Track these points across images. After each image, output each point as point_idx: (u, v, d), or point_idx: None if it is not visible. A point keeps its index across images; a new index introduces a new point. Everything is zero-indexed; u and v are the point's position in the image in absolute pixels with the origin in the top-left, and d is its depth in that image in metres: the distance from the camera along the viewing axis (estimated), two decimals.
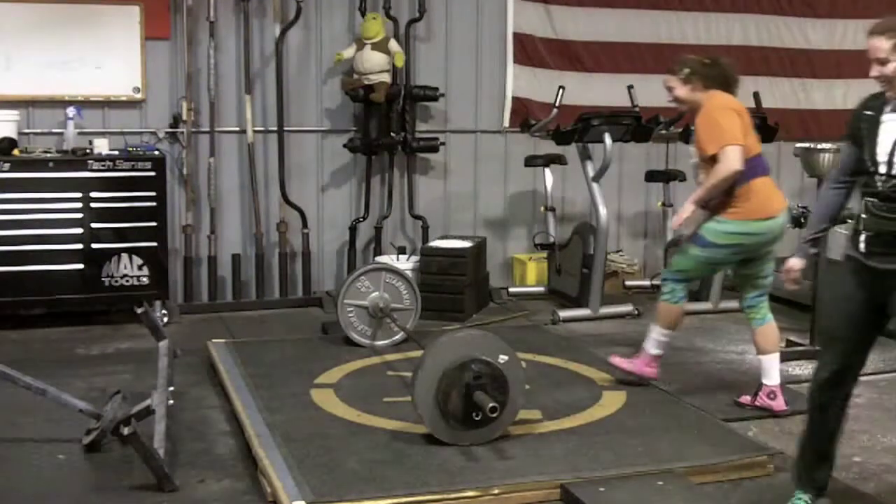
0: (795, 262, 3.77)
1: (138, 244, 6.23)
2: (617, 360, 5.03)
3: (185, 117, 6.72)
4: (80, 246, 6.14)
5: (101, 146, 6.31)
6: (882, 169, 3.30)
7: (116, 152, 6.30)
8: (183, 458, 4.03)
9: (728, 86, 4.84)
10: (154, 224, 6.27)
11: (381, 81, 6.79)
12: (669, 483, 3.70)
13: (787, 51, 8.12)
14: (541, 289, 7.32)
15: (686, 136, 6.93)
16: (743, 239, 4.67)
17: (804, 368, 5.52)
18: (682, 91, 4.80)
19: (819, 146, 5.69)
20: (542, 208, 7.38)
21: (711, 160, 4.59)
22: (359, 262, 7.10)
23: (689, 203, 4.68)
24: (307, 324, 6.47)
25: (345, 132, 7.15)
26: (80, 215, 6.11)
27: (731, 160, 4.51)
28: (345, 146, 7.03)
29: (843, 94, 8.27)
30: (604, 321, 6.60)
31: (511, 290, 7.31)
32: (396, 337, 5.64)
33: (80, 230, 6.12)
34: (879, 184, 3.31)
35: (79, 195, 6.10)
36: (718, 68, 4.83)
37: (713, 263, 4.87)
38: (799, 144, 5.88)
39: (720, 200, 4.65)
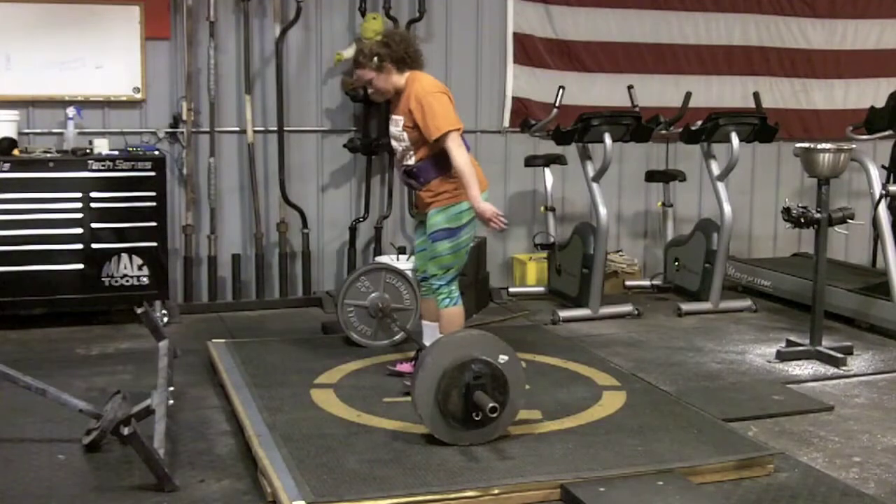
0: None
1: (138, 244, 6.23)
2: (405, 367, 4.99)
3: (185, 117, 6.72)
4: (80, 246, 6.14)
5: (101, 146, 6.31)
6: None
7: (116, 152, 6.30)
8: (183, 458, 4.03)
9: (415, 60, 4.82)
10: (154, 224, 6.27)
11: None
12: (669, 483, 3.70)
13: (787, 51, 8.12)
14: (541, 289, 7.32)
15: (686, 137, 6.94)
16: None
17: (804, 368, 5.52)
18: (380, 81, 4.76)
19: (819, 146, 5.68)
20: (542, 208, 7.39)
21: (426, 143, 4.63)
22: (359, 262, 7.11)
23: (481, 202, 4.57)
24: (307, 324, 6.47)
25: (345, 132, 7.16)
26: (80, 215, 6.11)
27: (459, 146, 4.59)
28: (345, 146, 7.03)
29: (843, 94, 8.28)
30: (604, 321, 6.60)
31: (511, 290, 7.31)
32: (396, 337, 5.64)
33: (80, 230, 6.12)
34: None
35: (79, 195, 6.10)
36: (401, 45, 4.78)
37: (466, 246, 4.83)
38: (799, 144, 5.88)
39: (438, 190, 4.69)
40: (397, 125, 4.77)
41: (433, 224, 4.74)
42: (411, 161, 4.76)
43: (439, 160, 4.68)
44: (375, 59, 4.73)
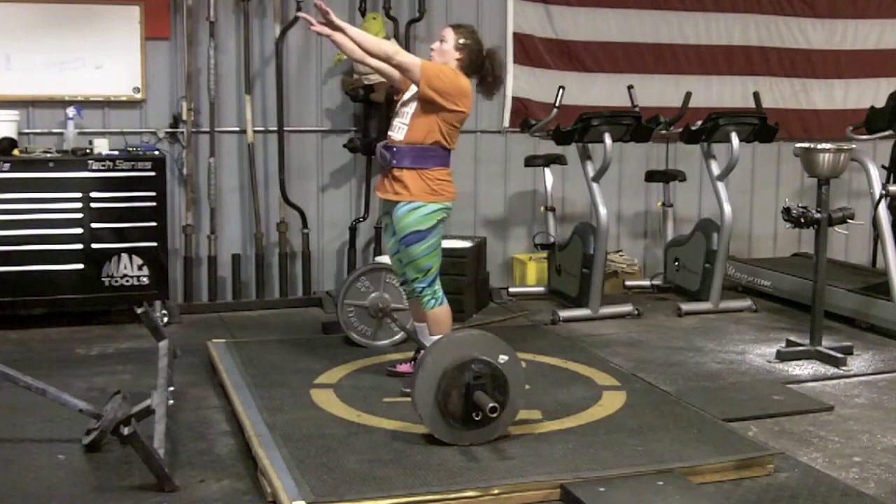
0: None
1: (138, 244, 6.23)
2: (405, 368, 4.99)
3: (185, 117, 6.72)
4: (80, 246, 6.14)
5: (101, 146, 6.31)
6: None
7: (116, 152, 6.30)
8: (183, 458, 4.03)
9: (488, 87, 4.88)
10: (154, 224, 6.27)
11: (382, 81, 6.75)
12: (669, 483, 3.70)
13: (787, 51, 8.12)
14: (541, 289, 7.32)
15: (686, 137, 6.94)
16: (444, 214, 4.74)
17: (804, 368, 5.52)
18: (445, 52, 4.73)
19: (819, 146, 5.68)
20: (542, 208, 7.39)
21: (423, 126, 4.62)
22: (359, 262, 7.11)
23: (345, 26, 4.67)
24: (307, 324, 6.48)
25: (345, 132, 7.16)
26: (80, 215, 6.11)
27: (413, 60, 4.62)
28: (345, 146, 7.03)
29: (843, 94, 8.29)
30: (604, 321, 6.59)
31: (511, 290, 7.31)
32: (396, 337, 5.64)
33: (80, 230, 6.12)
34: None
35: (79, 195, 6.10)
36: (487, 64, 4.80)
37: (439, 245, 4.79)
38: (799, 144, 5.88)
39: (409, 184, 4.64)
40: (412, 91, 4.74)
41: (403, 227, 4.67)
42: (399, 136, 4.71)
43: (420, 153, 4.64)
44: (465, 41, 4.73)
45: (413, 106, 4.70)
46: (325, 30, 4.68)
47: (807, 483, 3.85)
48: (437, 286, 4.79)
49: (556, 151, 7.16)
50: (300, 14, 5.04)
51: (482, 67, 4.81)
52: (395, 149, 4.69)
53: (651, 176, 7.57)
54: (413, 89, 4.73)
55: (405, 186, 4.66)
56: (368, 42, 4.70)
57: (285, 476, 3.67)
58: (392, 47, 4.76)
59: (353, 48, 4.73)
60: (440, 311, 4.77)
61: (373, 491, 3.58)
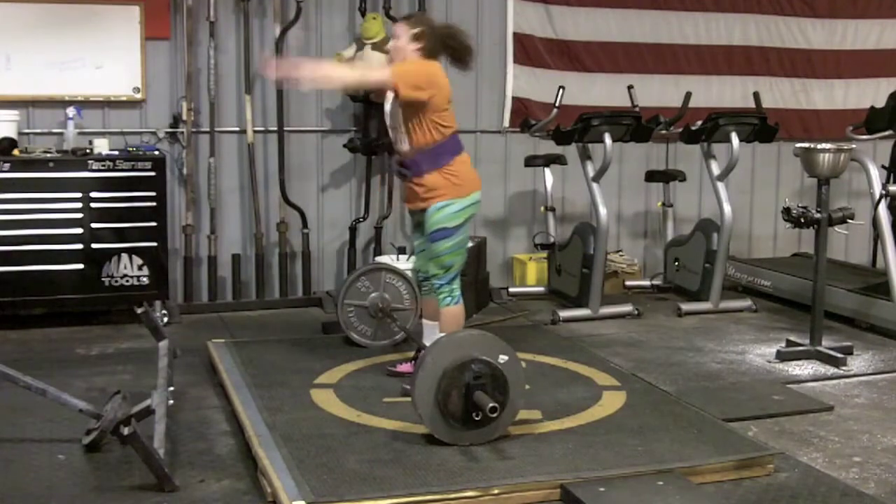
0: None
1: (138, 244, 6.23)
2: (404, 368, 4.99)
3: (185, 117, 6.72)
4: (80, 246, 6.14)
5: (101, 146, 6.31)
6: None
7: (116, 152, 6.30)
8: (183, 458, 4.03)
9: (460, 59, 4.80)
10: (154, 224, 6.27)
11: None
12: (669, 483, 3.70)
13: (787, 51, 8.12)
14: (541, 289, 7.32)
15: (686, 137, 6.94)
16: (473, 210, 4.77)
17: (804, 368, 5.52)
18: (400, 48, 4.70)
19: (819, 146, 5.68)
20: (542, 208, 7.39)
21: (417, 125, 4.62)
22: (359, 262, 7.11)
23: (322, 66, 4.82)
24: (307, 324, 6.48)
25: (345, 132, 7.16)
26: (80, 215, 6.12)
27: (384, 75, 4.66)
28: (345, 146, 7.03)
29: (843, 94, 8.29)
30: (604, 321, 6.60)
31: (511, 290, 7.31)
32: (396, 337, 5.64)
33: (80, 230, 6.12)
34: None
35: (79, 195, 6.10)
36: (453, 41, 4.75)
37: (465, 244, 4.83)
38: (799, 144, 5.88)
39: (432, 186, 4.66)
40: (390, 101, 4.75)
41: (433, 223, 4.70)
42: (404, 146, 4.72)
43: (432, 154, 4.65)
44: (418, 29, 4.69)
45: (399, 116, 4.73)
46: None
47: (807, 483, 3.85)
48: (456, 285, 4.80)
49: (556, 151, 7.15)
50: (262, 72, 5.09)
51: (447, 47, 4.76)
52: (406, 162, 4.73)
53: (651, 176, 7.57)
54: (390, 97, 4.76)
55: (430, 189, 4.68)
56: (336, 80, 4.87)
57: (285, 476, 3.67)
58: (357, 73, 4.85)
59: (325, 84, 4.78)
60: (455, 309, 4.78)
61: (373, 491, 3.58)
